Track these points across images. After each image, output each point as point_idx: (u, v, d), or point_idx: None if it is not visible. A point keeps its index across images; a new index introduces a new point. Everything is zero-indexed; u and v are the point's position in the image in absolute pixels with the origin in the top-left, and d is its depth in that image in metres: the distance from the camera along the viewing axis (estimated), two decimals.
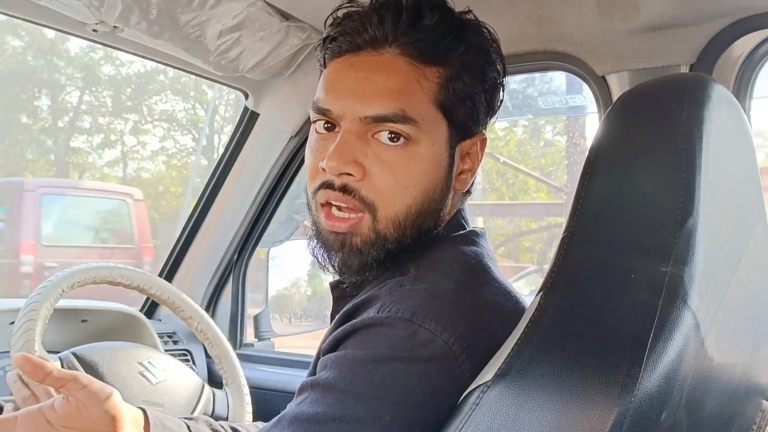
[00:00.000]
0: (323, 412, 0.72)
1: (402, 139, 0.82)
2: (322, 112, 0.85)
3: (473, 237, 0.89)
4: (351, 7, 0.88)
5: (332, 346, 0.79)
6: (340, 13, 0.88)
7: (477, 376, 0.71)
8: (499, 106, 0.93)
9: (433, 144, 0.84)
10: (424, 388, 0.72)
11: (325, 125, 0.87)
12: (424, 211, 0.85)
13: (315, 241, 0.88)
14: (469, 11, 0.90)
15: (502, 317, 0.78)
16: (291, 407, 0.77)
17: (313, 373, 0.82)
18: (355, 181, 0.82)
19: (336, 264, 0.86)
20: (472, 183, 0.93)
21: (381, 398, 0.71)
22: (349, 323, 0.78)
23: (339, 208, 0.84)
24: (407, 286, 0.79)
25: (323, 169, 0.83)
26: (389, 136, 0.82)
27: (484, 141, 0.91)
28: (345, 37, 0.86)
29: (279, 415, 0.78)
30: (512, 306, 0.82)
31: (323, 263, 0.87)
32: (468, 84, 0.86)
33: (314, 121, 0.88)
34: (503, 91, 0.93)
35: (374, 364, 0.73)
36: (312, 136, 0.89)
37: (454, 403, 0.70)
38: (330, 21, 0.89)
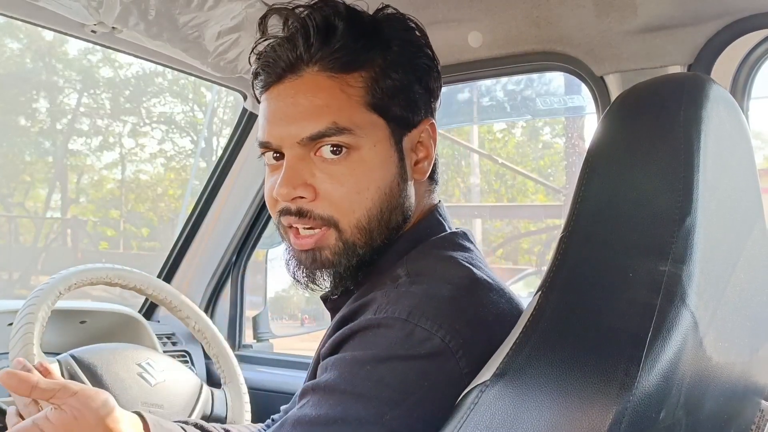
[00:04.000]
0: (325, 414, 0.73)
1: (343, 150, 0.85)
2: (264, 145, 0.89)
3: (457, 240, 0.90)
4: (266, 39, 0.90)
5: (331, 349, 0.80)
6: (260, 48, 0.91)
7: (474, 372, 0.71)
8: (440, 89, 0.94)
9: (375, 145, 0.86)
10: (422, 385, 0.72)
11: (274, 155, 0.89)
12: (385, 209, 0.87)
13: (291, 262, 0.90)
14: (386, 6, 0.91)
15: (497, 314, 0.80)
16: (294, 411, 0.78)
17: (313, 376, 0.83)
18: (308, 203, 0.85)
19: (314, 280, 0.89)
20: (435, 170, 0.94)
21: (380, 397, 0.72)
22: (347, 326, 0.79)
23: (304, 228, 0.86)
24: (403, 288, 0.80)
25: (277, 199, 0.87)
26: (331, 149, 0.84)
27: (432, 126, 0.92)
28: (266, 70, 0.89)
29: (281, 419, 0.78)
30: (506, 303, 0.83)
31: (302, 282, 0.90)
32: (397, 78, 0.87)
33: (263, 155, 0.91)
34: (439, 74, 0.94)
35: (373, 363, 0.74)
36: (266, 171, 0.92)
37: (453, 400, 0.71)
38: (253, 58, 0.92)
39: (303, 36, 0.86)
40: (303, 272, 0.89)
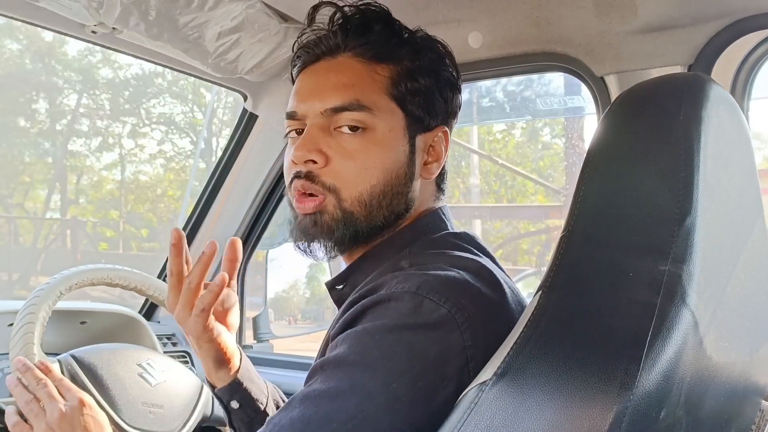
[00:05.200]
0: (334, 386, 0.75)
1: (360, 128, 0.91)
2: (291, 115, 0.96)
3: (456, 241, 0.93)
4: (313, 30, 0.99)
5: (343, 327, 0.82)
6: (304, 38, 1.00)
7: (475, 346, 0.75)
8: (459, 108, 1.01)
9: (390, 130, 0.92)
10: (428, 355, 0.74)
11: (298, 132, 0.96)
12: (389, 191, 0.92)
13: (295, 229, 0.95)
14: (421, 30, 1.00)
15: (501, 295, 0.84)
16: (303, 388, 0.79)
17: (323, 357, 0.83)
18: (318, 168, 0.91)
19: (311, 249, 0.94)
20: (443, 178, 1.00)
21: (387, 366, 0.74)
22: (359, 304, 0.81)
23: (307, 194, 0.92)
24: (411, 271, 0.83)
25: (293, 162, 0.93)
26: (349, 127, 0.91)
27: (446, 134, 0.98)
28: (306, 53, 0.99)
29: (291, 397, 0.80)
30: (510, 291, 0.86)
31: (302, 249, 0.95)
32: (421, 82, 0.95)
33: (288, 131, 0.98)
34: (460, 94, 1.01)
35: (382, 333, 0.76)
36: (288, 145, 0.99)
37: (455, 373, 0.74)
38: (296, 45, 1.01)
39: (342, 29, 0.95)
40: (303, 238, 0.94)
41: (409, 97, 0.94)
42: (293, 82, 1.01)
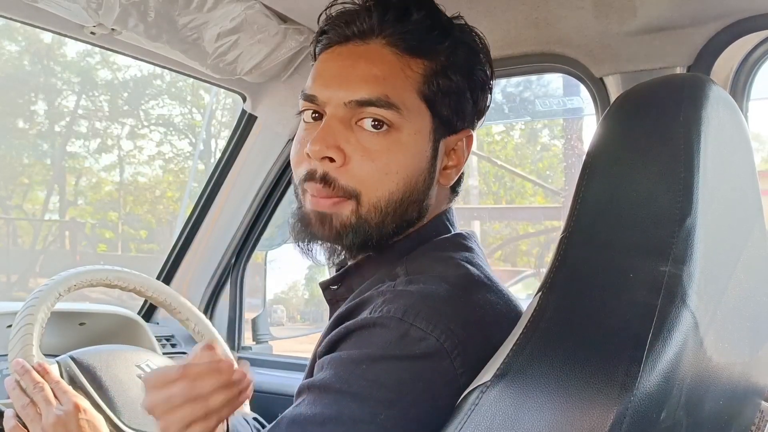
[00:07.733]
0: (320, 412, 0.73)
1: (385, 126, 0.84)
2: (309, 98, 0.87)
3: (461, 240, 0.90)
4: (344, 3, 0.90)
5: (328, 348, 0.80)
6: (333, 11, 0.91)
7: (469, 372, 0.72)
8: (487, 109, 0.95)
9: (415, 133, 0.86)
10: (417, 386, 0.72)
11: (313, 115, 0.88)
12: (406, 199, 0.86)
13: (296, 225, 0.89)
14: (459, 16, 0.92)
15: (494, 314, 0.80)
16: (289, 410, 0.77)
17: (310, 375, 0.82)
18: (336, 168, 0.84)
19: (311, 250, 0.89)
20: (459, 182, 0.95)
21: (375, 397, 0.72)
22: (344, 325, 0.79)
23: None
24: (399, 287, 0.79)
25: (308, 155, 0.85)
26: (372, 123, 0.84)
27: (470, 138, 0.92)
28: (334, 30, 0.89)
29: (277, 419, 0.78)
30: (504, 304, 0.83)
31: (302, 249, 0.89)
32: (453, 81, 0.88)
33: (302, 111, 0.90)
34: (491, 94, 0.95)
35: (368, 362, 0.73)
36: (300, 128, 0.91)
37: (448, 401, 0.71)
38: (323, 18, 0.92)
39: (380, 9, 0.86)
40: (306, 237, 0.88)
41: (440, 97, 0.87)
42: (314, 58, 0.92)
